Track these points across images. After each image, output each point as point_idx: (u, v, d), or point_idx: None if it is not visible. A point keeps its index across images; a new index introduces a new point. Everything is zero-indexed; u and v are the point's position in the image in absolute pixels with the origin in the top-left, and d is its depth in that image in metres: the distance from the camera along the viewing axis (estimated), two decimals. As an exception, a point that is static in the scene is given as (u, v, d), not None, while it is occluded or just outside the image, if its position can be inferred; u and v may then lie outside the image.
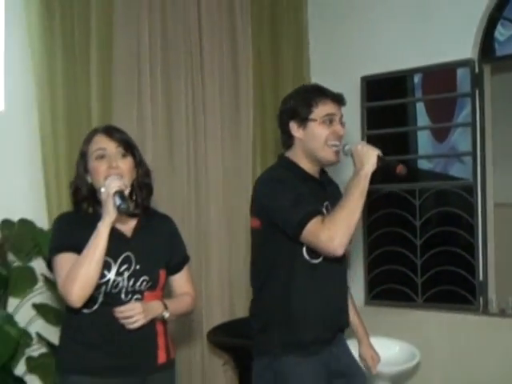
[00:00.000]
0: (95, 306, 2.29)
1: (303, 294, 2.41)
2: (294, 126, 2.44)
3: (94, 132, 2.39)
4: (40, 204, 3.56)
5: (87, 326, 2.32)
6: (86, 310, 2.28)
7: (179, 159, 4.15)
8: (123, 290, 2.30)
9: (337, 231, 2.19)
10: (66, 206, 3.34)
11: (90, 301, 2.25)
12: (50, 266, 2.35)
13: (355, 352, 2.75)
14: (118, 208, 2.17)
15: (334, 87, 2.58)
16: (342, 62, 4.68)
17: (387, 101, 4.41)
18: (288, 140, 2.50)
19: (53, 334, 3.45)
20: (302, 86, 2.72)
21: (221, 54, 4.40)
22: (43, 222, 3.49)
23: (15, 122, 3.56)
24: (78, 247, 2.21)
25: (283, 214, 2.32)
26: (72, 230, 2.30)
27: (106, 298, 2.29)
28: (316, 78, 4.74)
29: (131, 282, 2.31)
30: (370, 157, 2.27)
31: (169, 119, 4.12)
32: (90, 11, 3.66)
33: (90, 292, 2.19)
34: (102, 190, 2.21)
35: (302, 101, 2.45)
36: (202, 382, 4.15)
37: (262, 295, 2.52)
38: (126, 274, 2.30)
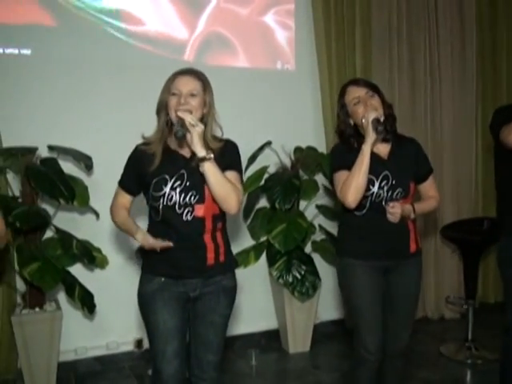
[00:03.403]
0: (364, 211, 2.72)
1: None
2: None
3: (345, 86, 2.80)
4: (321, 136, 4.63)
5: (360, 223, 2.76)
6: (357, 213, 2.74)
7: (419, 100, 4.96)
8: (384, 199, 2.70)
9: None
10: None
11: (361, 206, 2.69)
12: (331, 181, 2.83)
13: None
14: (376, 130, 2.55)
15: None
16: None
17: None
18: None
19: (329, 226, 4.58)
20: None
21: (451, 20, 5.08)
22: (323, 148, 4.56)
23: (303, 79, 4.67)
24: (349, 168, 2.64)
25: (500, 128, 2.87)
26: (344, 156, 2.73)
27: (371, 204, 2.71)
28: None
29: (390, 193, 2.69)
30: None
31: (412, 72, 4.93)
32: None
33: (360, 197, 2.61)
34: (363, 120, 2.62)
35: None
36: (435, 264, 5.05)
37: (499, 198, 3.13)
38: (386, 188, 2.68)
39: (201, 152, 2.29)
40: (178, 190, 2.34)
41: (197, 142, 2.28)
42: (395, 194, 2.71)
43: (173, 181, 2.35)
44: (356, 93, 2.73)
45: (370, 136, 2.58)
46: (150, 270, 2.47)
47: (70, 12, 3.93)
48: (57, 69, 3.92)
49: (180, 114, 2.29)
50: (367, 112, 2.63)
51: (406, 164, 2.78)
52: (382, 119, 2.64)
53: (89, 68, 4.00)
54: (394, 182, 2.70)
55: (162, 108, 2.40)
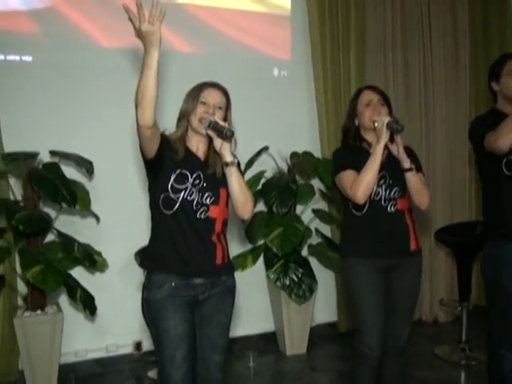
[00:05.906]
0: (364, 210, 2.82)
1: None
2: (493, 84, 3.09)
3: (362, 89, 2.97)
4: (317, 141, 4.71)
5: (360, 223, 2.86)
6: (358, 213, 2.85)
7: (413, 103, 5.06)
8: (382, 197, 2.81)
9: None
10: (333, 143, 4.42)
11: (361, 206, 2.79)
12: (333, 182, 2.94)
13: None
14: (397, 130, 2.67)
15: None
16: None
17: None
18: (493, 95, 3.14)
19: (325, 229, 4.67)
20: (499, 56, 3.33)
21: (444, 22, 5.16)
22: (318, 153, 4.63)
23: (299, 85, 4.75)
24: (354, 167, 2.77)
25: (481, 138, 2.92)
26: (347, 157, 2.87)
27: (371, 203, 2.80)
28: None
29: (388, 191, 2.81)
30: None
31: (406, 75, 5.02)
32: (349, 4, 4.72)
33: (369, 193, 2.72)
34: (376, 123, 2.73)
35: (496, 65, 3.08)
36: (429, 267, 5.07)
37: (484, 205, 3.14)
38: (384, 186, 2.81)
39: (230, 157, 2.41)
40: (197, 187, 2.42)
41: (228, 147, 2.41)
42: (393, 192, 2.83)
43: (193, 178, 2.42)
44: (370, 96, 2.89)
45: (384, 137, 2.70)
46: (161, 267, 2.44)
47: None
48: (58, 74, 3.98)
49: (214, 119, 2.39)
50: (379, 116, 2.78)
51: (399, 165, 2.86)
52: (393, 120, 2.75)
53: (91, 73, 4.06)
54: (391, 182, 2.82)
55: (186, 115, 2.48)
